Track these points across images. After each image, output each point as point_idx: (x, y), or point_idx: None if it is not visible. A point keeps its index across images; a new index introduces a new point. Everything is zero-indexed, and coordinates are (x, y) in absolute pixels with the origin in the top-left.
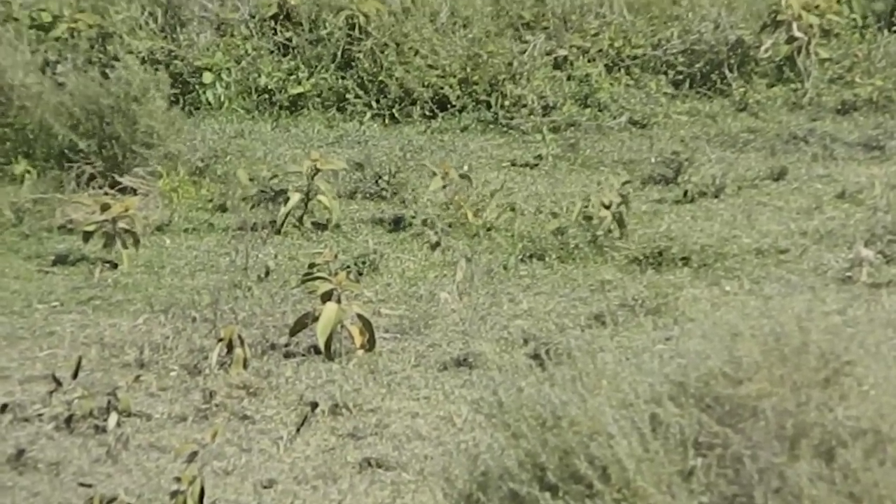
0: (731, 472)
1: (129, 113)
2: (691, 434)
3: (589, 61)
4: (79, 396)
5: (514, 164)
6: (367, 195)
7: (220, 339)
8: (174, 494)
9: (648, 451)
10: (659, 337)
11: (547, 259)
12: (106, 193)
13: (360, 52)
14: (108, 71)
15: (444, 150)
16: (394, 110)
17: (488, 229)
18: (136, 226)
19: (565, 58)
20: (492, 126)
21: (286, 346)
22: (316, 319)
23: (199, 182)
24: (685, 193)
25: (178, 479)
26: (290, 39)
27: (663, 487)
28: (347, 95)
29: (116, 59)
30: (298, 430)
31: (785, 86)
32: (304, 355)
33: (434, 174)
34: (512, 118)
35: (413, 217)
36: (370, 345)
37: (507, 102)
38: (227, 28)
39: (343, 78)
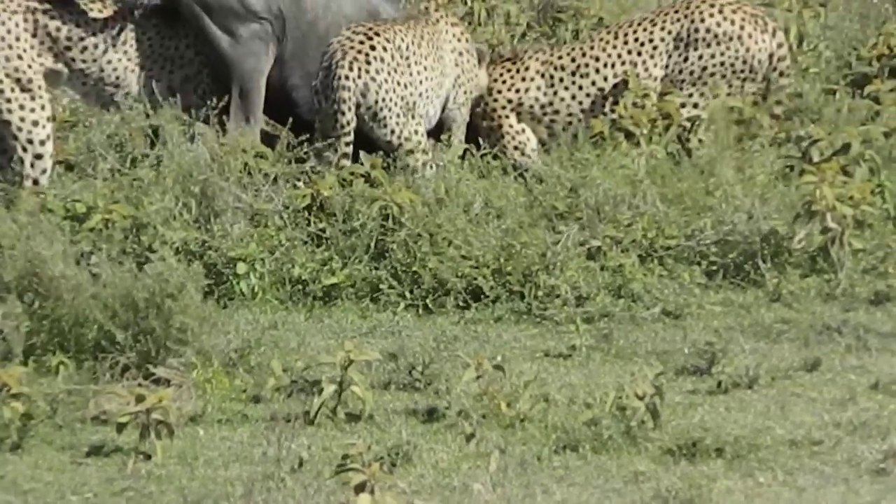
0: None
1: (164, 308)
2: None
3: (622, 252)
4: None
5: (547, 355)
6: (401, 386)
7: None
8: None
9: None
10: None
11: (580, 450)
12: (140, 385)
13: (393, 242)
14: (142, 262)
15: (477, 340)
16: (427, 301)
17: (522, 420)
18: (169, 417)
19: (599, 248)
20: (525, 316)
21: None
22: None
23: (233, 373)
24: (719, 384)
25: None
26: (323, 230)
27: None
28: (381, 286)
29: (151, 249)
30: None
31: (818, 276)
32: None
33: (468, 365)
34: (545, 309)
35: (447, 408)
36: None
37: (540, 293)
38: (260, 219)
39: (377, 268)
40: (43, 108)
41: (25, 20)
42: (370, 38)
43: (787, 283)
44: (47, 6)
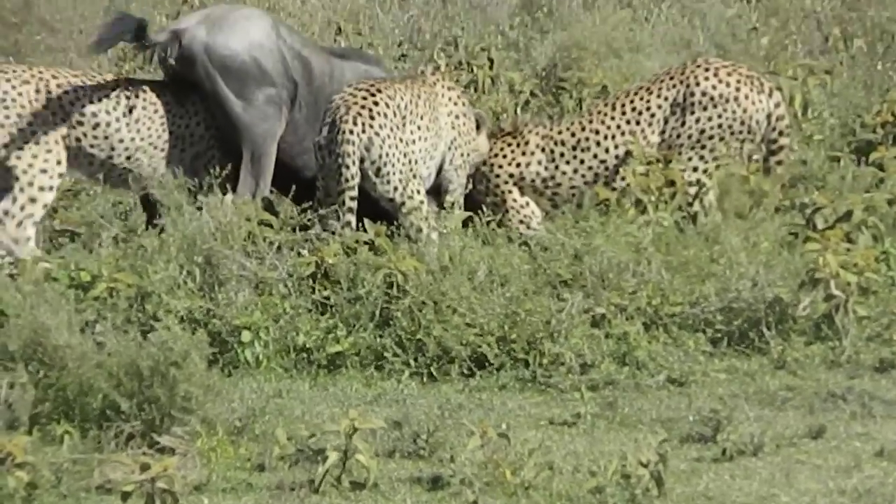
0: None
1: (169, 376)
2: None
3: (627, 319)
4: None
5: (551, 423)
6: (406, 454)
7: None
8: None
9: None
10: None
11: None
12: (144, 453)
13: (398, 310)
14: (147, 330)
15: (482, 408)
16: (432, 368)
17: (526, 488)
18: (174, 486)
19: (603, 316)
20: (530, 384)
21: None
22: None
23: (238, 441)
24: (724, 452)
25: None
26: (328, 298)
27: None
28: (385, 354)
29: (156, 318)
30: None
31: (823, 344)
32: None
33: (472, 433)
34: (550, 376)
35: (451, 476)
36: None
37: (545, 360)
38: (265, 287)
39: (381, 336)
40: (59, 162)
41: (37, 90)
42: (373, 95)
43: (791, 350)
44: (60, 79)
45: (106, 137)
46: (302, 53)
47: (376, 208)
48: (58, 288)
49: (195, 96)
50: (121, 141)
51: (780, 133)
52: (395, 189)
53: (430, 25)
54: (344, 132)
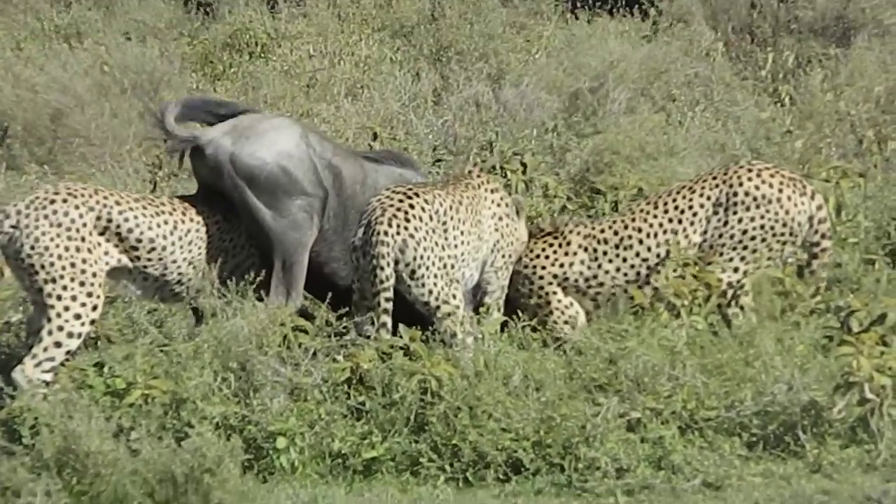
0: None
1: (203, 484)
2: None
3: (662, 423)
4: None
5: None
6: None
7: None
8: None
9: None
10: None
11: None
12: None
13: (433, 415)
14: (182, 437)
15: None
16: (468, 474)
17: None
18: None
19: (638, 420)
20: (566, 489)
21: None
22: None
23: None
24: None
25: None
26: (363, 403)
27: None
28: (421, 459)
29: (191, 425)
30: None
31: (859, 447)
32: None
33: None
34: (586, 481)
35: None
36: None
37: (580, 465)
38: (300, 392)
39: (416, 441)
40: (94, 308)
41: (98, 217)
42: (409, 198)
43: (827, 453)
44: (122, 205)
45: (160, 259)
46: (332, 162)
47: (412, 312)
48: (93, 394)
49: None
50: (174, 262)
51: (823, 236)
52: (430, 292)
53: (465, 130)
54: (379, 233)
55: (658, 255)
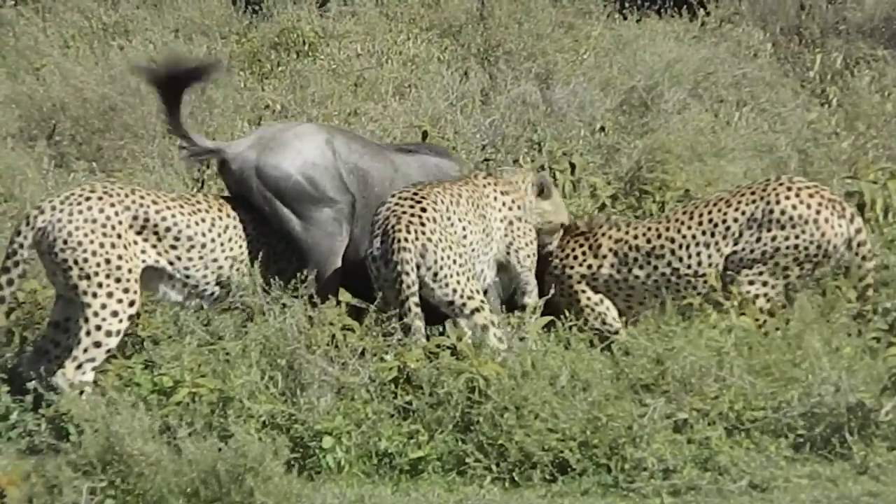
0: None
1: (245, 483)
2: None
3: (709, 424)
4: None
5: None
6: None
7: None
8: None
9: None
10: None
11: None
12: None
13: (479, 415)
14: (228, 436)
15: None
16: (514, 474)
17: None
18: None
19: (685, 421)
20: (612, 489)
21: None
22: None
23: None
24: None
25: None
26: (410, 403)
27: None
28: (467, 459)
29: (236, 423)
30: None
31: None
32: None
33: None
34: (632, 482)
35: None
36: None
37: (627, 465)
38: (347, 392)
39: (463, 441)
40: (131, 304)
41: (135, 217)
42: (419, 202)
43: (874, 455)
44: (158, 204)
45: (201, 258)
46: (359, 165)
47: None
48: (140, 392)
49: None
50: (215, 260)
51: (864, 258)
52: (455, 291)
53: (513, 129)
54: (398, 241)
55: (689, 267)
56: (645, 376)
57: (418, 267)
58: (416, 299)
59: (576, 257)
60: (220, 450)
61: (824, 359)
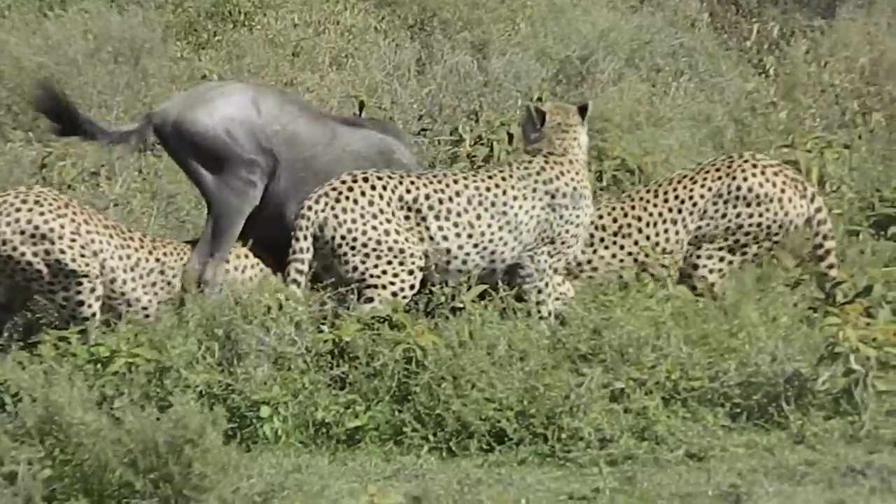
0: None
1: (184, 454)
2: None
3: (646, 394)
4: None
5: (571, 498)
6: None
7: None
8: None
9: None
10: None
11: None
12: None
13: (416, 385)
14: (165, 406)
15: (501, 483)
16: (451, 443)
17: None
18: None
19: (622, 390)
20: (549, 459)
21: None
22: None
23: None
24: None
25: None
26: (346, 373)
27: None
28: (404, 429)
29: (174, 394)
30: None
31: (842, 418)
32: None
33: None
34: (569, 451)
35: None
36: None
37: (564, 435)
38: (283, 362)
39: (400, 411)
40: (92, 290)
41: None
42: (358, 182)
43: (811, 425)
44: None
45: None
46: (288, 128)
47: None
48: (76, 363)
49: None
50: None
51: (825, 237)
52: (356, 269)
53: (450, 99)
54: (304, 207)
55: (657, 244)
56: (582, 346)
57: (315, 238)
58: (299, 266)
59: None
60: (158, 419)
61: (761, 328)
